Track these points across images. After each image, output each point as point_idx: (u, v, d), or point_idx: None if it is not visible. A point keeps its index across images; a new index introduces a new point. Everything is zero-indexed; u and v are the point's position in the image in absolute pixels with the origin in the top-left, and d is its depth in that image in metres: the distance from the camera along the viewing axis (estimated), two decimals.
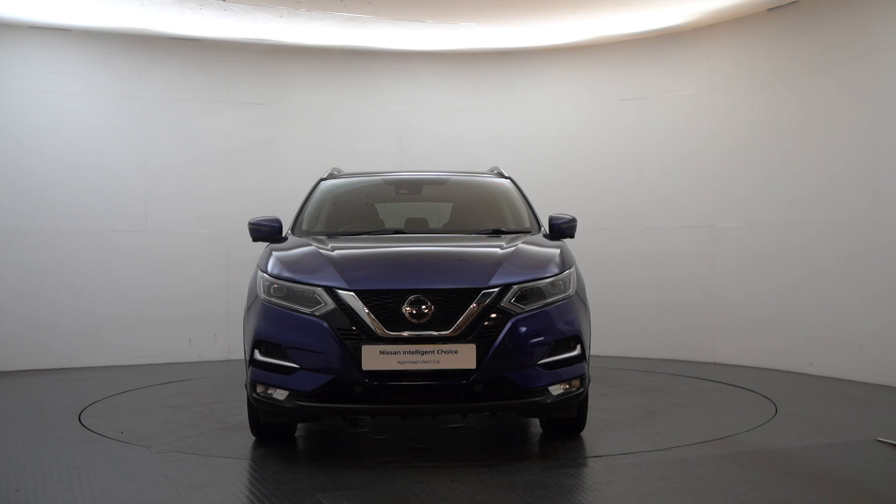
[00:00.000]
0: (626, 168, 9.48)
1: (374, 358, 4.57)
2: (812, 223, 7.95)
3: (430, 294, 4.65)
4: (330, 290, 4.73)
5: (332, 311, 4.68)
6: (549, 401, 4.75)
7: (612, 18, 8.65)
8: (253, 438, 5.42)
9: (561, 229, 5.75)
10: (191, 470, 4.74)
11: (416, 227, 6.24)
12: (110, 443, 5.37)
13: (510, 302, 4.73)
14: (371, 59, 9.92)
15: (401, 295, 4.65)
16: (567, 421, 5.38)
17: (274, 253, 5.27)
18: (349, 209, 6.35)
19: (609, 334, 9.38)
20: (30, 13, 8.35)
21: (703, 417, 6.10)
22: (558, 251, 5.29)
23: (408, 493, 4.23)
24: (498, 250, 5.10)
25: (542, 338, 4.75)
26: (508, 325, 4.67)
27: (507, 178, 6.55)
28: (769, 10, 8.32)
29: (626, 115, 9.49)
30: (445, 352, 4.57)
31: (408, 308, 4.62)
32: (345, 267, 4.89)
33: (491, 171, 6.73)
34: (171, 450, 5.18)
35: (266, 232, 5.69)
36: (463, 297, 4.68)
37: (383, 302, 4.66)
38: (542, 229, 5.92)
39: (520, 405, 4.76)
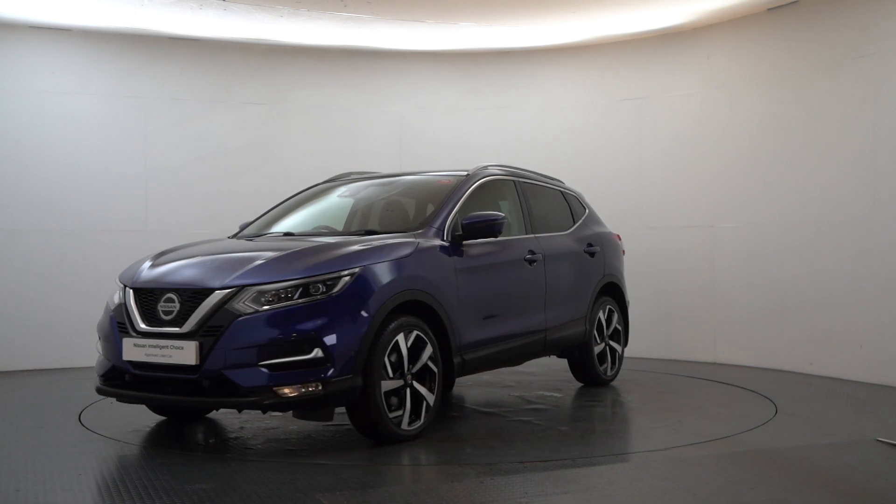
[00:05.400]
0: (627, 168, 9.47)
1: (130, 349, 5.03)
2: (813, 223, 7.95)
3: (179, 293, 5.00)
4: (123, 287, 5.31)
5: (118, 305, 5.25)
6: (270, 401, 4.77)
7: (612, 18, 8.66)
8: (252, 439, 5.42)
9: (474, 229, 5.60)
10: (191, 470, 4.74)
11: (317, 231, 6.14)
12: (110, 443, 5.37)
13: (244, 302, 4.83)
14: (371, 59, 9.91)
15: (160, 292, 5.07)
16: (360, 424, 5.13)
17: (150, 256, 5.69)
18: (289, 214, 6.49)
19: None
20: (30, 13, 8.35)
21: (703, 417, 6.10)
22: (349, 251, 5.09)
23: (408, 493, 4.23)
24: (269, 253, 5.18)
25: (268, 339, 4.77)
26: (232, 325, 4.78)
27: (465, 173, 6.21)
28: (769, 10, 8.31)
29: (626, 115, 9.49)
30: (175, 347, 4.87)
31: (161, 305, 5.00)
32: (147, 265, 5.40)
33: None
34: (172, 449, 5.18)
35: None
36: (201, 296, 4.92)
37: (147, 299, 5.11)
38: (436, 230, 5.60)
39: (239, 403, 4.89)
